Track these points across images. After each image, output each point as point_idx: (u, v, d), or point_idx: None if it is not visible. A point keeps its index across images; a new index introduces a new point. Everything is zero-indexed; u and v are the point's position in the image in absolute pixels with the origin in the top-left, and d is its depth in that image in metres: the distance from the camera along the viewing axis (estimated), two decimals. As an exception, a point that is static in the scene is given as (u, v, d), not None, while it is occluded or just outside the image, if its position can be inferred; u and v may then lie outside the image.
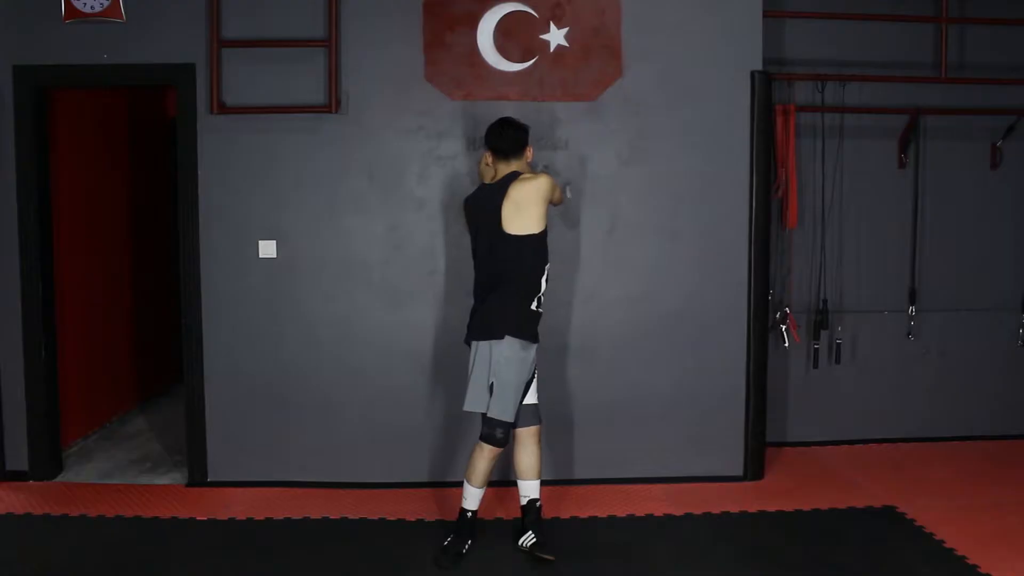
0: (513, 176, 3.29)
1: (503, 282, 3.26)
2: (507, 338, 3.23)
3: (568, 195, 3.97)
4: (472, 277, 3.43)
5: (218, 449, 4.02)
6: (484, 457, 3.26)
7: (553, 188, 3.33)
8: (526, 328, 3.27)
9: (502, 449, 3.28)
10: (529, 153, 3.42)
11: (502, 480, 3.87)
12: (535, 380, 3.40)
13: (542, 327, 3.37)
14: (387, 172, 3.96)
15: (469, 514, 3.34)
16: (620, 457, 4.08)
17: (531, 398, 3.38)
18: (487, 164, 3.43)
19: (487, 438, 3.25)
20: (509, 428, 3.26)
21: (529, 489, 3.38)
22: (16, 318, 4.00)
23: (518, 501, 3.43)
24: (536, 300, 3.30)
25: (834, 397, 4.68)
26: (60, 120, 4.24)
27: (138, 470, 4.28)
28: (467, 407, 3.31)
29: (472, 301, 3.42)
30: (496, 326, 3.24)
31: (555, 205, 3.62)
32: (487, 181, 3.41)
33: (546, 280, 3.33)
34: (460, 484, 3.38)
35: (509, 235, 3.22)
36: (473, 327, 3.33)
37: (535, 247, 3.26)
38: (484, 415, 3.26)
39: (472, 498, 3.33)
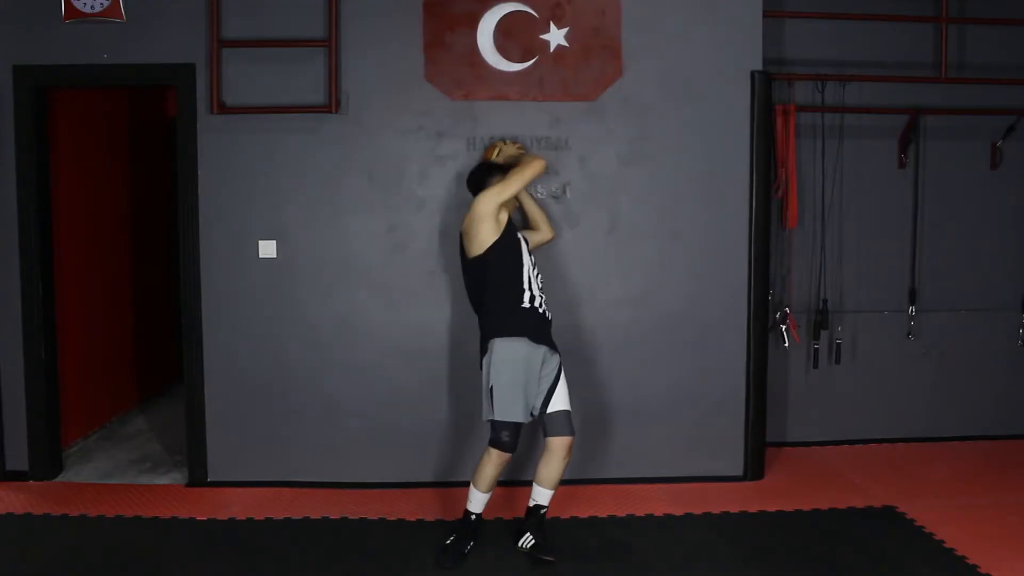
0: None
1: (484, 297, 3.36)
2: (496, 340, 3.28)
3: (568, 195, 3.98)
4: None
5: (218, 449, 4.02)
6: (492, 463, 3.26)
7: (493, 195, 3.31)
8: (515, 326, 3.28)
9: (511, 455, 3.27)
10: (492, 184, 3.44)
11: (505, 480, 3.87)
12: (560, 386, 3.35)
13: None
14: (387, 172, 3.96)
15: (473, 516, 3.34)
16: (620, 457, 4.08)
17: (557, 405, 3.32)
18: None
19: (495, 443, 3.25)
20: (515, 430, 3.25)
21: (540, 495, 3.36)
22: (16, 318, 4.00)
23: (526, 500, 3.41)
24: (524, 300, 3.31)
25: (834, 397, 4.68)
26: (60, 120, 4.24)
27: (138, 470, 4.28)
28: (484, 416, 3.32)
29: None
30: (485, 335, 3.34)
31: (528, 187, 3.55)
32: None
33: (531, 277, 3.34)
34: (461, 484, 3.39)
35: (470, 259, 3.37)
36: (480, 350, 3.40)
37: (492, 259, 3.31)
38: (490, 420, 3.27)
39: (477, 502, 3.33)
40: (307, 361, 4.00)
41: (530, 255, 3.42)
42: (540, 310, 3.35)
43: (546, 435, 3.33)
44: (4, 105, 3.92)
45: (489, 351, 3.30)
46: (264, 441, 4.02)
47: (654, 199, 4.03)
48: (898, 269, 4.68)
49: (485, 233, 3.30)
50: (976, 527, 3.51)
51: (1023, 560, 3.20)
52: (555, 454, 3.31)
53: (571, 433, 3.33)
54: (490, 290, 3.34)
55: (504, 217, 3.35)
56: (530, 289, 3.33)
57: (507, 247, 3.34)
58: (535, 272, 3.40)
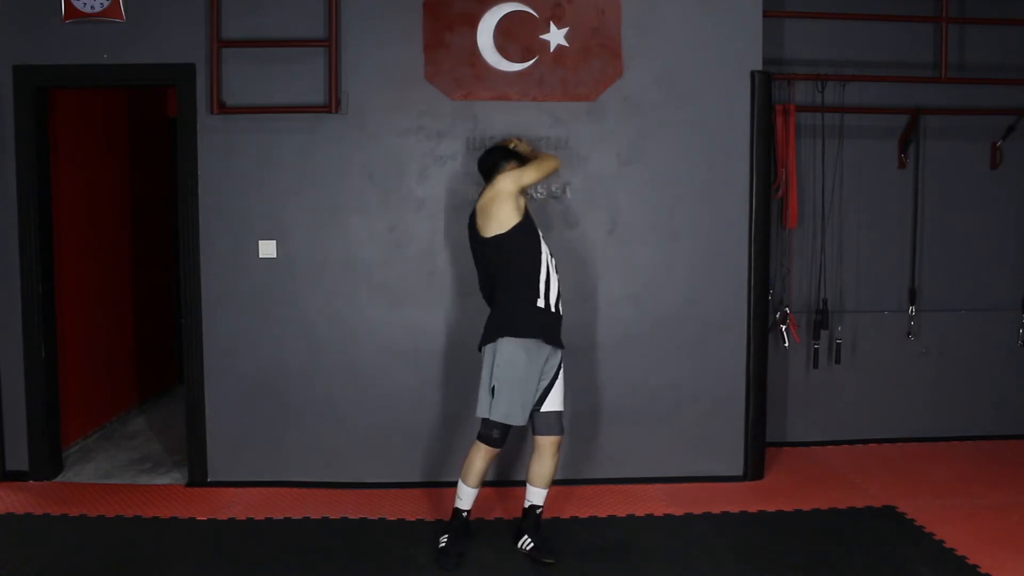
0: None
1: (497, 287, 3.31)
2: (505, 339, 3.22)
3: (568, 195, 3.98)
4: (473, 276, 3.44)
5: (218, 449, 4.02)
6: (481, 457, 3.26)
7: (514, 177, 3.25)
8: (527, 327, 3.23)
9: (500, 449, 3.28)
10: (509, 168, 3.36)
11: (502, 480, 3.88)
12: (558, 387, 3.34)
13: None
14: (387, 172, 3.96)
15: (464, 514, 3.34)
16: (620, 457, 4.08)
17: (552, 405, 3.31)
18: None
19: (484, 438, 3.24)
20: (506, 430, 3.24)
21: (534, 495, 3.36)
22: (16, 318, 4.00)
23: (521, 499, 3.42)
24: (541, 297, 3.24)
25: (834, 397, 4.68)
26: (60, 120, 4.24)
27: (138, 470, 4.28)
28: (479, 413, 3.27)
29: (476, 302, 3.46)
30: (494, 329, 3.27)
31: (541, 180, 3.45)
32: None
33: (549, 274, 3.28)
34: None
35: (486, 239, 3.26)
36: (482, 335, 3.34)
37: (512, 243, 3.24)
38: (484, 417, 3.25)
39: (467, 498, 3.32)
40: (307, 361, 4.00)
41: (550, 252, 3.34)
42: (553, 309, 3.28)
43: (535, 433, 3.32)
44: (4, 105, 3.92)
45: (495, 347, 3.23)
46: (264, 441, 4.02)
47: (654, 199, 4.03)
48: (898, 269, 4.68)
49: (506, 214, 3.23)
50: (976, 527, 3.51)
51: (1023, 560, 3.20)
52: (545, 453, 3.32)
53: (560, 433, 3.33)
54: (505, 280, 3.26)
55: (523, 203, 3.29)
56: (547, 286, 3.27)
57: (527, 234, 3.27)
58: (554, 269, 3.32)
